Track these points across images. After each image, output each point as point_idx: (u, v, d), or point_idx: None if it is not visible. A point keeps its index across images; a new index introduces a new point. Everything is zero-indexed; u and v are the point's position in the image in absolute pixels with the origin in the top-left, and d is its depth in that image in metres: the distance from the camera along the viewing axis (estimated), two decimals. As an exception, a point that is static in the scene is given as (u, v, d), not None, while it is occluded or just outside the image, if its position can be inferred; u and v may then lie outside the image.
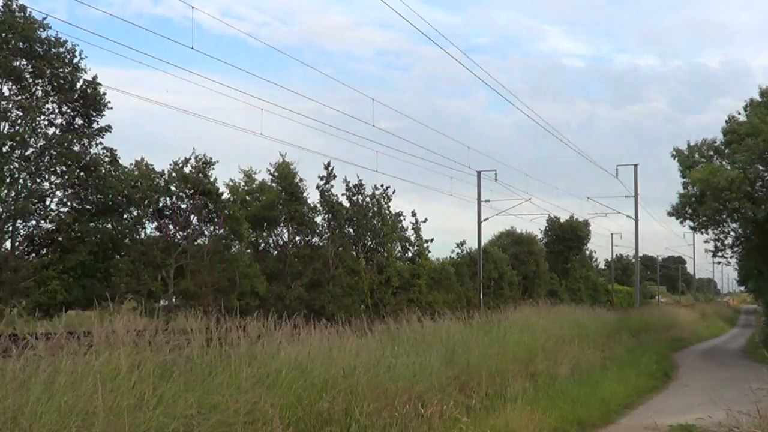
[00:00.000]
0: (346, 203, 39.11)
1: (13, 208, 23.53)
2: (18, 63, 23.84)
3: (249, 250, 33.72)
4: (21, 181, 24.12)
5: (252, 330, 8.66)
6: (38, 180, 24.87)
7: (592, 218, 59.80)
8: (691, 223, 29.71)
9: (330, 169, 37.56)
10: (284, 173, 35.64)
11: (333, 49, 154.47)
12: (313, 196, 37.38)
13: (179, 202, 30.28)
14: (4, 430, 5.00)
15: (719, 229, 30.25)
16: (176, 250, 29.08)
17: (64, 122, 25.43)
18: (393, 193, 40.59)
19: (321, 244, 37.12)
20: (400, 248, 42.66)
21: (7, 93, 24.04)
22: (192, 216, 30.48)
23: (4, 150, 23.37)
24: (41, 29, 24.11)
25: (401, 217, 41.61)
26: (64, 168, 25.18)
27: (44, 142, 24.79)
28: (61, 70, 24.51)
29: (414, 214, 42.22)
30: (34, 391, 5.35)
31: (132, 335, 6.72)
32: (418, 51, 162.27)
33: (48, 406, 5.27)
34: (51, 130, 25.19)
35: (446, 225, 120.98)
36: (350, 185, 39.32)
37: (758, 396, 7.45)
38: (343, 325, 11.33)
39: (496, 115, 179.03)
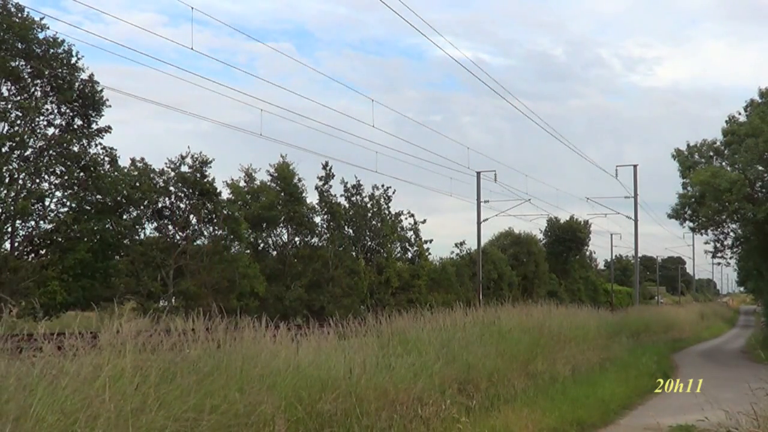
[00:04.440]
0: (346, 204, 39.16)
1: (12, 208, 23.51)
2: (17, 63, 23.84)
3: (248, 251, 33.73)
4: (20, 181, 24.11)
5: (252, 331, 8.66)
6: (37, 180, 24.85)
7: (591, 219, 59.93)
8: (691, 224, 29.72)
9: (328, 169, 37.61)
10: (284, 173, 35.66)
11: (329, 48, 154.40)
12: (312, 197, 37.46)
13: (178, 202, 30.34)
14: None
15: (719, 230, 30.26)
16: (176, 250, 29.08)
17: (63, 122, 25.43)
18: (393, 193, 40.66)
19: (320, 244, 37.13)
20: (399, 249, 42.68)
21: (6, 93, 24.05)
22: (191, 216, 30.51)
23: (3, 150, 23.36)
24: (39, 29, 24.11)
25: (401, 218, 41.66)
26: (63, 168, 25.18)
27: (43, 142, 24.79)
28: (59, 70, 24.51)
29: (412, 215, 42.30)
30: (37, 392, 5.34)
31: (135, 337, 6.72)
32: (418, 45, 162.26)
33: (52, 408, 5.26)
34: (50, 131, 25.21)
35: (446, 225, 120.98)
36: (348, 186, 39.39)
37: (757, 396, 7.44)
38: (342, 325, 11.31)
39: (494, 114, 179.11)
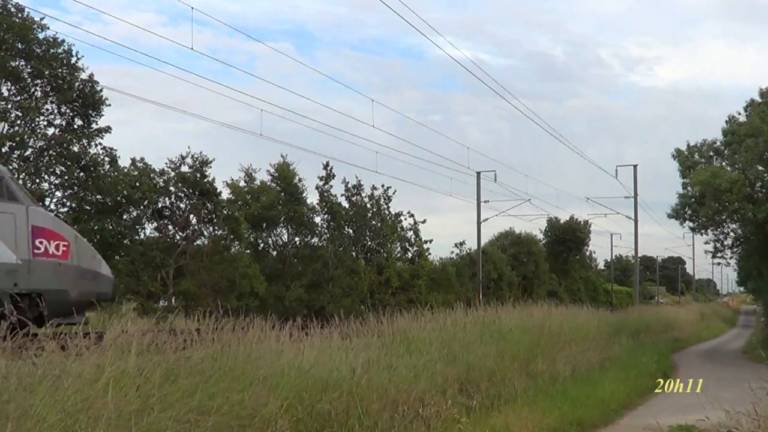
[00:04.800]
0: (346, 204, 39.14)
1: (12, 208, 23.49)
2: (17, 63, 23.85)
3: (248, 251, 33.71)
4: (20, 181, 24.10)
5: (254, 332, 8.67)
6: (37, 180, 24.85)
7: (591, 219, 59.96)
8: (691, 224, 29.74)
9: (329, 169, 37.59)
10: (284, 173, 35.64)
11: (328, 48, 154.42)
12: (312, 197, 37.44)
13: (178, 202, 30.35)
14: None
15: (719, 229, 30.27)
16: (176, 250, 29.07)
17: (63, 122, 25.43)
18: (394, 193, 40.64)
19: (320, 244, 37.11)
20: (399, 249, 42.66)
21: (6, 93, 24.05)
22: (191, 216, 30.52)
23: (3, 150, 23.36)
24: (39, 29, 24.11)
25: (401, 218, 41.65)
26: (63, 168, 25.19)
27: (43, 142, 24.79)
28: (59, 70, 24.51)
29: (412, 215, 42.29)
30: (39, 392, 5.35)
31: (141, 338, 6.73)
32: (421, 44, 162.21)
33: (53, 409, 5.27)
34: (50, 131, 25.21)
35: (446, 225, 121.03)
36: (349, 185, 39.36)
37: (758, 396, 7.45)
38: (343, 325, 11.32)
39: (494, 114, 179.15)
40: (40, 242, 11.55)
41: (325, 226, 37.87)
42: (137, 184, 28.18)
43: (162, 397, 5.99)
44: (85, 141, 25.67)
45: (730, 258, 33.64)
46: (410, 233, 42.65)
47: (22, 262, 11.24)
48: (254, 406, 6.79)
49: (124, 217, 28.22)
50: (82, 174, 25.42)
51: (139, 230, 29.48)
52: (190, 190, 30.00)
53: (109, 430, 5.38)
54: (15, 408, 5.11)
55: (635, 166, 44.14)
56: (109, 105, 25.90)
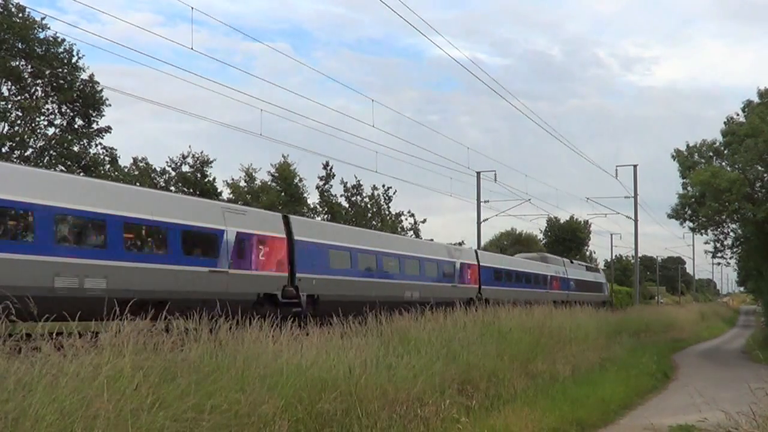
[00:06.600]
0: (346, 204, 39.07)
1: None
2: (17, 63, 23.84)
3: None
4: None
5: (252, 330, 8.66)
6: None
7: (591, 219, 59.86)
8: (691, 224, 29.69)
9: (329, 168, 37.52)
10: (285, 173, 35.58)
11: (326, 48, 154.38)
12: (313, 197, 37.37)
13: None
14: (6, 432, 4.99)
15: (719, 230, 30.22)
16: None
17: (63, 122, 25.42)
18: (394, 193, 40.59)
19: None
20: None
21: (6, 93, 24.04)
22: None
23: (3, 150, 23.36)
24: (40, 29, 24.10)
25: (401, 218, 41.61)
26: (63, 168, 25.19)
27: (44, 142, 24.78)
28: (60, 70, 24.50)
29: (412, 215, 42.26)
30: (36, 392, 5.34)
31: (136, 336, 6.72)
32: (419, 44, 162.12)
33: (51, 408, 5.26)
34: (50, 131, 25.21)
35: (446, 225, 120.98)
36: (348, 186, 39.30)
37: (757, 396, 7.43)
38: (343, 324, 11.32)
39: (492, 114, 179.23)
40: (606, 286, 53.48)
41: (325, 226, 37.80)
42: (138, 183, 28.19)
43: (159, 396, 5.98)
44: (85, 141, 25.67)
45: (730, 258, 33.60)
46: (410, 233, 42.62)
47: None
48: (252, 405, 6.78)
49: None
50: (82, 174, 25.42)
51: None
52: (191, 190, 30.00)
53: (108, 429, 5.38)
54: (13, 407, 5.11)
55: (635, 166, 44.18)
56: (110, 105, 25.95)
